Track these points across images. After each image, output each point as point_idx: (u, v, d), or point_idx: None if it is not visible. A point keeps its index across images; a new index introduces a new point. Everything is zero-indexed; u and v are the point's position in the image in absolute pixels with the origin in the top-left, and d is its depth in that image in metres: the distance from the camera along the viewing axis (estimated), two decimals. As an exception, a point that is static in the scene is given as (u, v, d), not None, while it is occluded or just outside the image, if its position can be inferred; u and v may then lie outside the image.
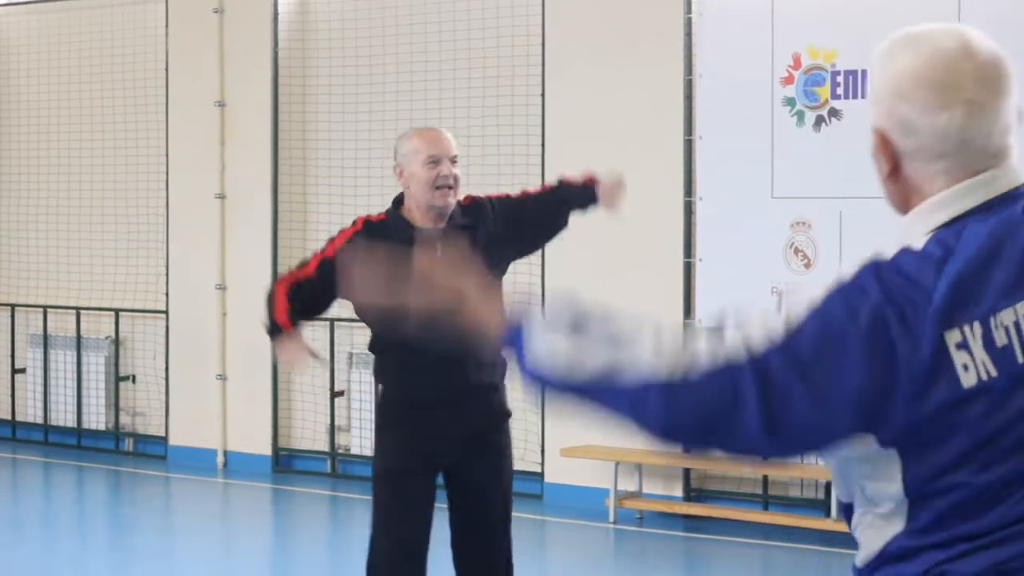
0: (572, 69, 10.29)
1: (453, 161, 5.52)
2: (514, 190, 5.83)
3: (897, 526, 2.38)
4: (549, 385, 2.49)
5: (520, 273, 10.35)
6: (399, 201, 5.63)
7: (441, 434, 5.46)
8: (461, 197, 5.60)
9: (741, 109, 9.54)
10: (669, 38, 9.92)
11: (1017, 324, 2.35)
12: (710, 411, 2.37)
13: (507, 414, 5.63)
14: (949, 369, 2.30)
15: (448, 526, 5.67)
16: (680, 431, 2.47)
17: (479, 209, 5.61)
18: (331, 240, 5.68)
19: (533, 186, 5.97)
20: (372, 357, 5.71)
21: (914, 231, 2.41)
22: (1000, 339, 2.33)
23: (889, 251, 2.38)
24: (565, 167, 10.25)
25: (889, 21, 10.11)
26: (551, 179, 5.85)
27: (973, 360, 2.31)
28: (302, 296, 5.54)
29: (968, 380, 2.31)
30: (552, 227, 5.82)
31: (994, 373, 2.32)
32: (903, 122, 2.42)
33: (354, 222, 5.67)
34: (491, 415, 5.57)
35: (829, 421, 2.30)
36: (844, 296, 2.31)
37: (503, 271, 5.63)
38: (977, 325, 2.32)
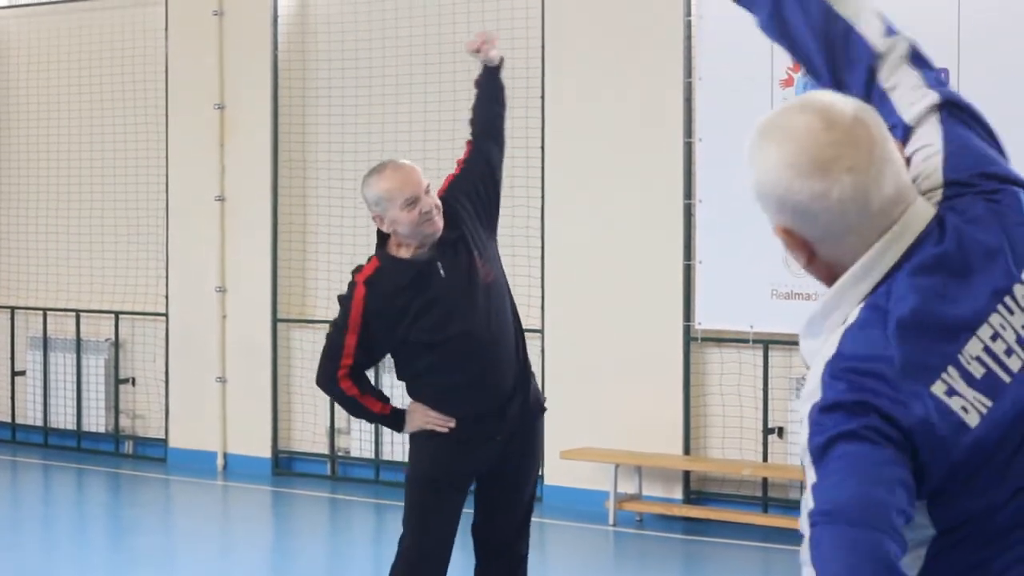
0: (572, 72, 10.29)
1: (427, 191, 5.36)
2: (494, 187, 5.74)
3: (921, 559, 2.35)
4: None
5: (520, 276, 10.36)
6: (383, 239, 5.52)
7: (484, 441, 5.49)
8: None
9: (741, 112, 9.54)
10: (669, 41, 9.92)
11: (987, 349, 2.31)
12: None
13: (542, 408, 5.69)
14: (951, 417, 2.28)
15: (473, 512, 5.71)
16: None
17: (450, 211, 5.52)
18: (346, 316, 5.46)
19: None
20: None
21: (843, 306, 2.36)
22: (977, 371, 2.30)
23: (828, 345, 2.33)
24: (565, 170, 10.29)
25: (889, 23, 10.03)
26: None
27: (967, 401, 2.29)
28: (363, 378, 5.53)
29: (972, 420, 2.29)
30: (494, 163, 5.76)
31: (990, 404, 2.31)
32: (799, 213, 2.37)
33: (353, 285, 5.47)
34: (527, 413, 5.60)
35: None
36: (831, 427, 2.25)
37: (494, 236, 5.63)
38: (952, 369, 2.28)
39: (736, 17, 10.63)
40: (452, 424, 5.42)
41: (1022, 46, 8.64)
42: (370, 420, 5.69)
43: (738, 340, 9.77)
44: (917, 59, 2.64)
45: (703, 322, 9.80)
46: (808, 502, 2.24)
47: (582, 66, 10.26)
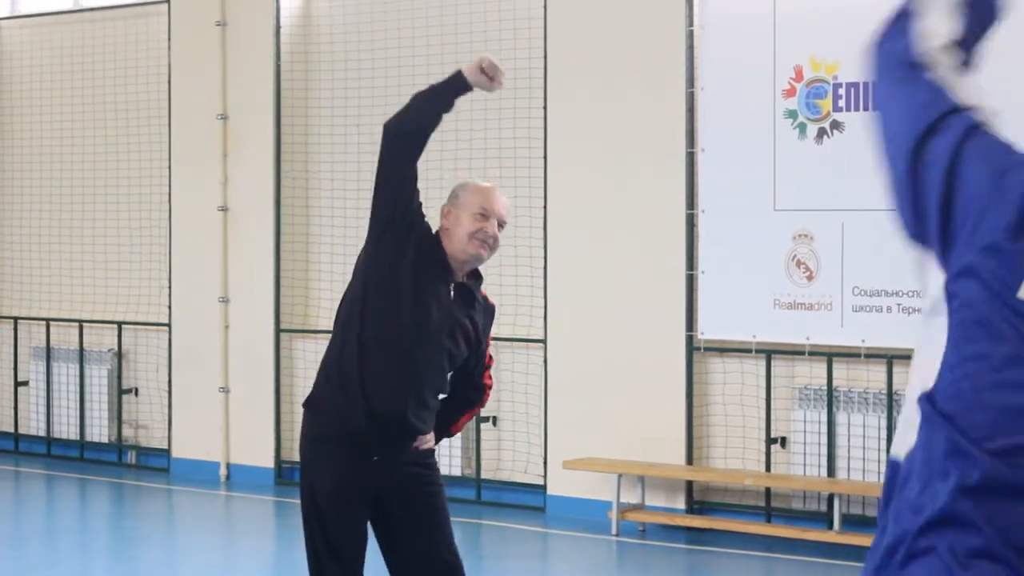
0: (574, 81, 10.30)
1: (501, 225, 5.53)
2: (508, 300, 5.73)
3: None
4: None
5: (523, 286, 10.36)
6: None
7: (366, 455, 5.37)
8: (489, 297, 5.65)
9: (743, 121, 9.55)
10: (671, 51, 9.93)
11: None
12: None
13: (432, 451, 5.58)
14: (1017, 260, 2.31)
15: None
16: None
17: (489, 313, 5.66)
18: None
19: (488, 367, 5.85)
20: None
21: None
22: None
23: None
24: (567, 179, 10.29)
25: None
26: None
27: None
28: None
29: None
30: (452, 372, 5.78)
31: None
32: None
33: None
34: (419, 454, 5.49)
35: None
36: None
37: (459, 361, 5.59)
38: None
39: (738, 27, 10.62)
40: (500, 74, 5.41)
41: (1022, 51, 8.64)
42: (443, 99, 5.52)
43: (741, 350, 9.77)
44: None
45: (706, 332, 9.80)
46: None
47: (584, 76, 10.26)
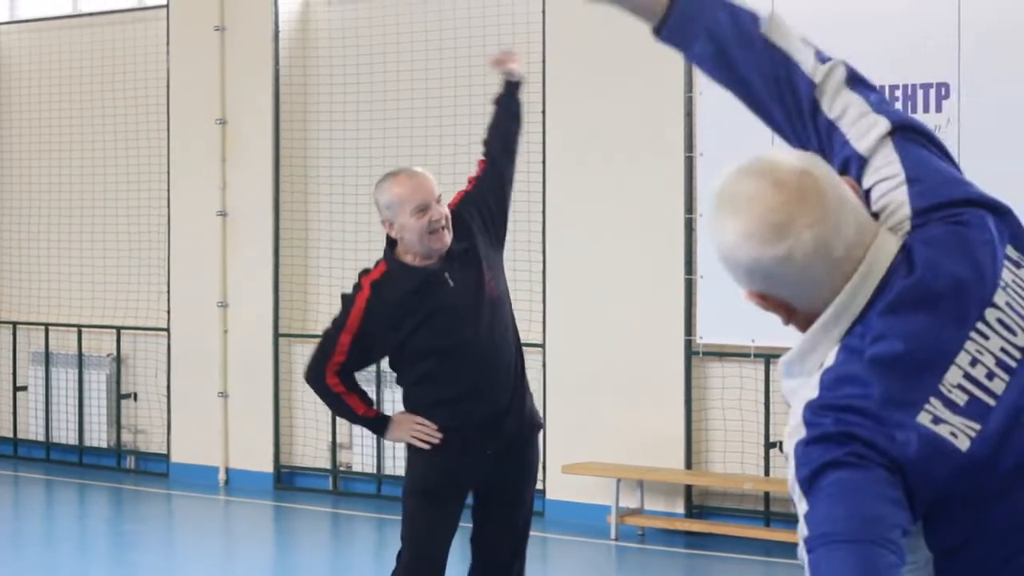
0: (572, 86, 10.30)
1: (439, 201, 5.42)
2: (504, 203, 5.79)
3: None
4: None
5: (521, 290, 10.36)
6: (392, 245, 5.53)
7: (477, 454, 5.47)
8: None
9: (742, 126, 9.51)
10: (669, 55, 9.88)
11: (967, 375, 2.31)
12: None
13: (538, 426, 5.67)
14: (940, 443, 2.28)
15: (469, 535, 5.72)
16: None
17: (461, 222, 5.55)
18: (346, 315, 5.52)
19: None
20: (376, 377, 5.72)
21: (820, 349, 2.38)
22: (960, 399, 2.30)
23: (808, 387, 2.35)
24: (565, 184, 10.29)
25: (889, 38, 10.14)
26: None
27: (955, 427, 2.29)
28: (351, 378, 5.55)
29: (963, 444, 2.29)
30: (507, 180, 5.82)
31: (979, 427, 2.31)
32: (768, 278, 2.39)
33: (358, 286, 5.51)
34: (522, 429, 5.59)
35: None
36: (817, 457, 2.30)
37: (501, 252, 5.65)
38: (934, 399, 2.29)
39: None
40: (436, 441, 5.41)
41: (1022, 55, 8.64)
42: (352, 420, 5.68)
43: (739, 354, 9.77)
44: (856, 82, 2.60)
45: (704, 336, 9.80)
46: (803, 530, 2.27)
47: (583, 80, 10.26)
